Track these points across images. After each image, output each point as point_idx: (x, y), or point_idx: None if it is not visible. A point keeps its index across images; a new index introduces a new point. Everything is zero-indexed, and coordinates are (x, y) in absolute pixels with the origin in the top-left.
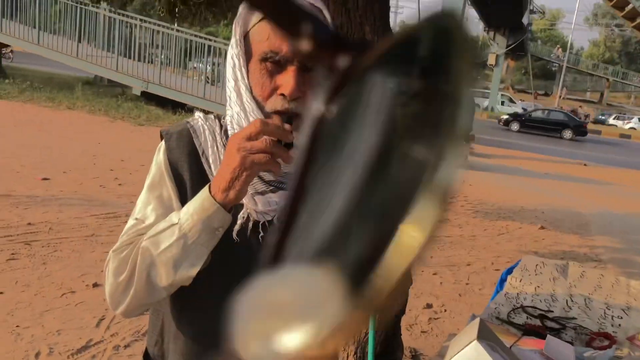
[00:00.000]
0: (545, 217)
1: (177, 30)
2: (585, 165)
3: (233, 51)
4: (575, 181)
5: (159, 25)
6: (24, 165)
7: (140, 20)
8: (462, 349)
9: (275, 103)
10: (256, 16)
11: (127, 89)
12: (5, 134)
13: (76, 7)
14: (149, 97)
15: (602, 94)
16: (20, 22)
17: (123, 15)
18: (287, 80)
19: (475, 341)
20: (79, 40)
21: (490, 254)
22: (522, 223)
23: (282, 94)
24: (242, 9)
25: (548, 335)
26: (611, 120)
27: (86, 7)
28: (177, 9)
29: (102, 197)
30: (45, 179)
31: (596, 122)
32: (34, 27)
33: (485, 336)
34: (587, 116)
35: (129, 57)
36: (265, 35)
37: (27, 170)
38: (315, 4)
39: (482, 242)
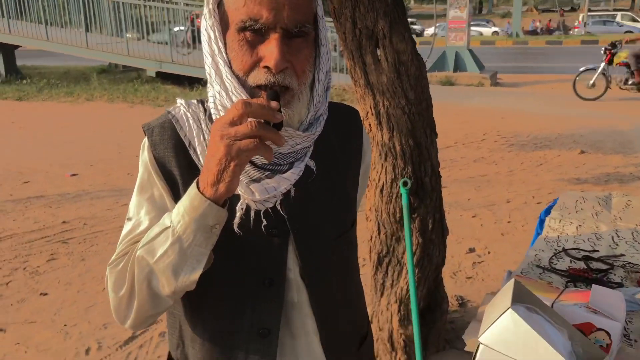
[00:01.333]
0: (584, 141)
1: (185, 5)
2: None
3: (207, 22)
4: (613, 98)
5: (164, 2)
6: (52, 164)
7: None
8: (497, 318)
9: (258, 77)
10: None
11: (142, 71)
12: (30, 135)
13: None
14: (164, 77)
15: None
16: (26, 20)
17: None
18: (270, 50)
19: (510, 310)
20: (87, 30)
21: (530, 188)
22: (561, 150)
23: (267, 67)
24: None
25: (593, 286)
26: None
27: None
28: None
29: (131, 185)
30: (73, 174)
31: None
32: (41, 23)
33: (521, 298)
34: None
35: (140, 39)
36: (241, 1)
37: (55, 169)
38: None
39: (520, 176)
